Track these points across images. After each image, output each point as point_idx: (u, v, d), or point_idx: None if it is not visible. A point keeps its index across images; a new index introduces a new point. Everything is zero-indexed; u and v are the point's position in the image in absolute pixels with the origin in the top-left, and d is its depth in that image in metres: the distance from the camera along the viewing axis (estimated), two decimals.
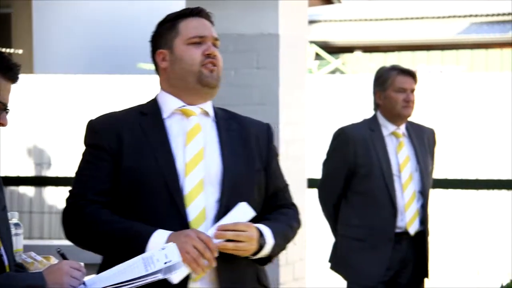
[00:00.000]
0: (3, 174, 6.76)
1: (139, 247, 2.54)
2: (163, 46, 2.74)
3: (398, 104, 4.54)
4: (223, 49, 6.11)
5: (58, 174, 8.09)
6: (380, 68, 4.74)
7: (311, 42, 15.21)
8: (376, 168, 4.49)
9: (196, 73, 2.69)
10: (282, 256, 5.52)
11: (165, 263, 2.41)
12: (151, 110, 2.73)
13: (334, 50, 16.40)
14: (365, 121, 4.66)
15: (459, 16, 16.77)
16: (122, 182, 2.65)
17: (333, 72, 15.44)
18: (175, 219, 2.61)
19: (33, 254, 3.11)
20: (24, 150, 8.71)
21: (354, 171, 4.54)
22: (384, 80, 4.61)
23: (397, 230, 4.49)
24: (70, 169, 8.20)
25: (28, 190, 8.26)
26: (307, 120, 5.80)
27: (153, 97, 2.79)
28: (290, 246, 5.98)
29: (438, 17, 16.88)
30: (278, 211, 2.78)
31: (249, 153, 2.73)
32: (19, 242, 3.07)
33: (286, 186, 2.86)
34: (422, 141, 4.64)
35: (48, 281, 2.32)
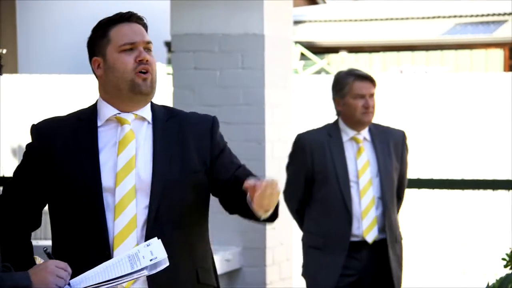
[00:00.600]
0: None
1: None
2: (97, 53, 2.74)
3: (357, 111, 4.43)
4: (209, 50, 6.14)
5: None
6: (336, 74, 4.63)
7: (296, 42, 15.23)
8: (332, 174, 4.41)
9: (129, 81, 2.69)
10: (269, 256, 5.52)
11: (151, 260, 2.41)
12: (88, 116, 2.75)
13: (319, 50, 16.43)
14: (325, 127, 4.59)
15: (444, 17, 16.83)
16: (53, 190, 2.71)
17: (318, 72, 15.46)
18: (95, 231, 2.65)
19: None
20: (9, 150, 8.68)
21: (312, 178, 4.47)
22: (342, 87, 4.51)
23: (354, 239, 4.40)
24: None
25: None
26: (293, 120, 5.81)
27: (94, 102, 2.80)
28: (277, 246, 5.96)
29: (423, 18, 16.93)
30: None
31: (185, 155, 2.72)
32: None
33: (241, 166, 2.81)
34: (387, 144, 4.52)
35: (33, 281, 2.31)
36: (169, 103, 6.19)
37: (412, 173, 7.18)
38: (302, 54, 15.75)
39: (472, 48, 15.73)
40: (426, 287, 7.44)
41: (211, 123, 2.79)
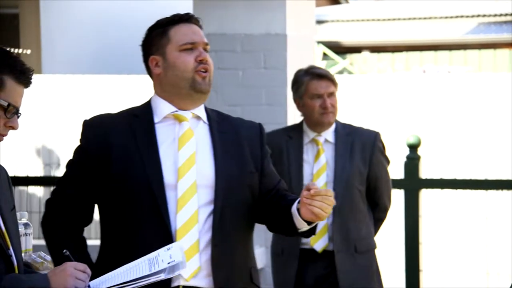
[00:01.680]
0: (12, 174, 6.77)
1: None
2: (155, 52, 2.80)
3: (315, 111, 4.18)
4: (231, 49, 6.16)
5: None
6: (296, 72, 4.37)
7: (319, 42, 15.21)
8: (286, 178, 4.07)
9: (189, 79, 2.76)
10: None
11: (169, 263, 2.42)
12: (144, 112, 2.80)
13: (342, 50, 16.40)
14: (288, 128, 4.44)
15: (467, 16, 16.75)
16: (110, 186, 2.74)
17: (340, 72, 15.43)
18: (158, 225, 2.69)
19: (42, 254, 3.12)
20: (33, 150, 8.73)
21: None
22: (299, 87, 4.26)
23: (305, 246, 4.21)
24: None
25: (37, 190, 8.27)
26: None
27: (147, 100, 2.85)
28: None
29: (446, 17, 16.86)
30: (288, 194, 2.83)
31: (242, 155, 2.79)
32: (28, 242, 3.08)
33: (281, 180, 2.91)
34: (350, 146, 4.22)
35: (52, 283, 2.31)
36: None
37: (435, 173, 7.18)
38: (325, 54, 15.72)
39: (496, 47, 15.64)
40: (450, 287, 7.41)
41: (259, 130, 2.88)
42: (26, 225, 3.09)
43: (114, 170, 2.72)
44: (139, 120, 2.77)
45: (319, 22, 16.18)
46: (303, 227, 2.71)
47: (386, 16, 17.29)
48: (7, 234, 2.40)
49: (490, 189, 5.99)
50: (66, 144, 8.64)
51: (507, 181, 6.00)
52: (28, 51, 11.74)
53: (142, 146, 2.73)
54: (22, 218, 3.09)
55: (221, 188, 2.71)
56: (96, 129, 2.78)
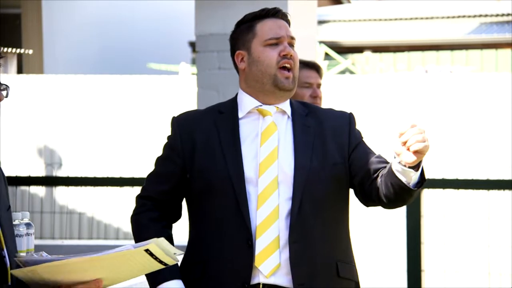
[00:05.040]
0: (14, 174, 6.78)
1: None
2: (241, 47, 2.82)
3: (304, 100, 4.08)
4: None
5: (68, 174, 8.12)
6: None
7: (321, 42, 15.22)
8: None
9: (272, 76, 2.76)
10: None
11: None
12: (229, 108, 2.81)
13: (344, 50, 16.40)
14: None
15: (469, 16, 16.75)
16: (194, 182, 2.75)
17: (342, 72, 15.43)
18: (238, 222, 2.69)
19: (44, 254, 3.11)
20: (35, 150, 8.74)
21: None
22: None
23: None
24: (80, 169, 8.21)
25: (39, 190, 8.27)
26: None
27: (234, 96, 2.86)
28: None
29: (448, 17, 16.86)
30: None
31: (325, 148, 2.75)
32: (30, 242, 3.08)
33: (377, 155, 2.82)
34: None
35: None
36: (194, 104, 6.20)
37: (437, 173, 7.16)
38: (327, 54, 15.73)
39: (498, 47, 15.64)
40: (451, 287, 7.40)
41: (348, 119, 2.84)
42: (28, 225, 3.09)
43: (197, 166, 2.73)
44: (224, 116, 2.78)
45: (321, 22, 16.18)
46: (412, 177, 2.60)
47: (388, 16, 17.29)
48: (3, 234, 2.38)
49: (492, 189, 5.98)
50: (68, 144, 8.64)
51: (509, 181, 5.99)
52: (30, 51, 11.76)
53: (225, 142, 2.74)
54: (24, 218, 3.08)
55: (299, 184, 2.68)
56: (182, 126, 2.79)
